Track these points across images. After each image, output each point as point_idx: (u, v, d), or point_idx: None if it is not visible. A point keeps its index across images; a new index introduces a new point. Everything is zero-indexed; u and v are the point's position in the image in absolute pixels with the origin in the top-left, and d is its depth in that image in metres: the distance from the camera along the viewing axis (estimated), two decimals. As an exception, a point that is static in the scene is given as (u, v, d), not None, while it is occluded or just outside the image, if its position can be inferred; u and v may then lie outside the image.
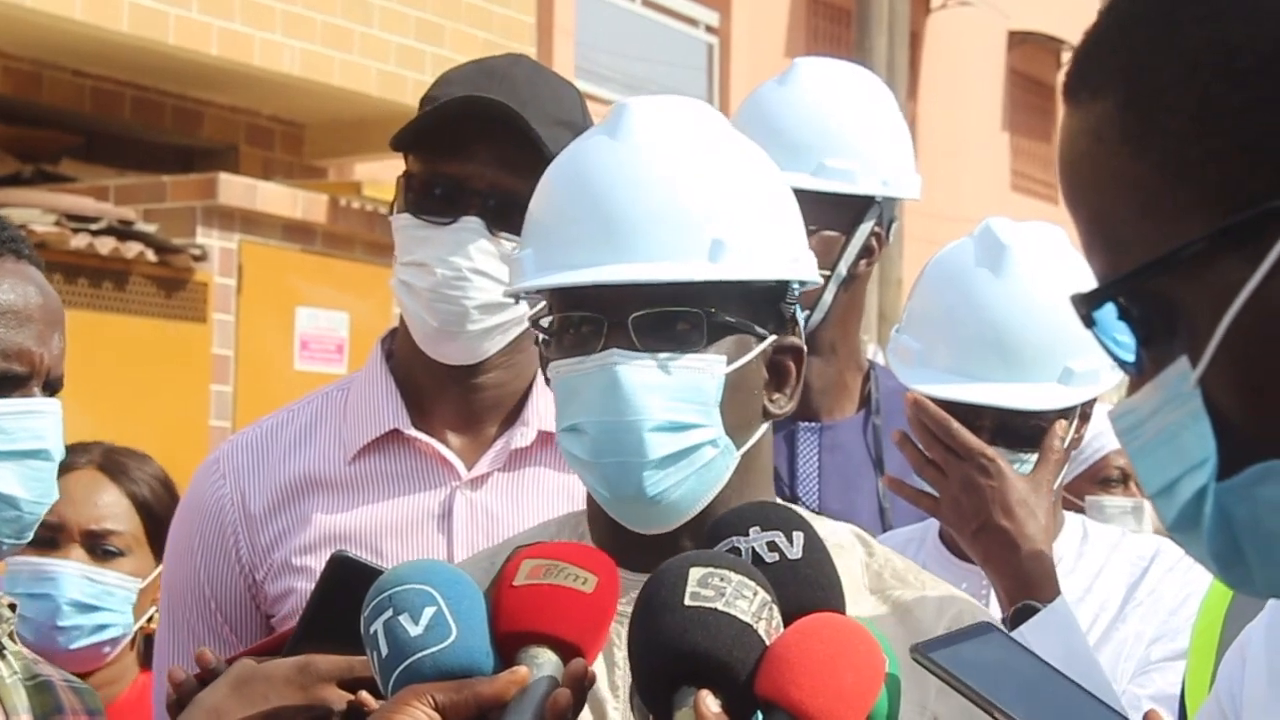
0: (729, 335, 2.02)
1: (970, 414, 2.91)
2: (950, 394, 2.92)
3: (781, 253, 2.06)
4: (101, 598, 3.35)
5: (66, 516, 3.43)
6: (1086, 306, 1.28)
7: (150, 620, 3.44)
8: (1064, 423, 2.92)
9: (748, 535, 1.76)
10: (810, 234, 3.16)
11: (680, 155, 2.03)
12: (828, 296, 3.30)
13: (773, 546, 1.76)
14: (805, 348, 2.12)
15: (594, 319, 2.01)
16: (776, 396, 2.09)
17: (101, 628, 3.36)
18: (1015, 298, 2.93)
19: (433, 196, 2.58)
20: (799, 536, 1.77)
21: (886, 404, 3.37)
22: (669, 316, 2.00)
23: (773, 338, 2.06)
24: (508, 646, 1.73)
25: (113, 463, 3.46)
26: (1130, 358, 1.30)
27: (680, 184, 2.01)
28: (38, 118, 10.08)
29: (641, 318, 1.99)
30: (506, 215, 2.53)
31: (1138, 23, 1.28)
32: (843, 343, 3.40)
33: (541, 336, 2.08)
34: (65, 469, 3.75)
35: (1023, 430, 2.90)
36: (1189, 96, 1.23)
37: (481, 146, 2.56)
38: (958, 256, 3.04)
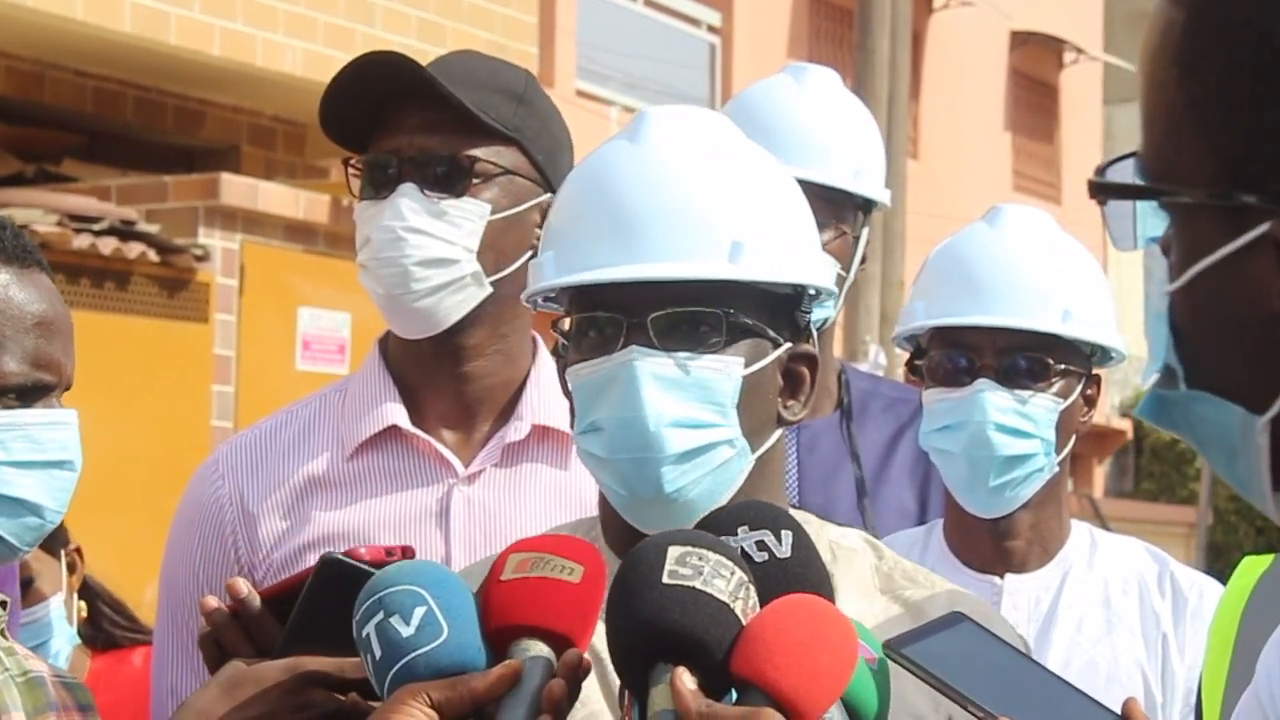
0: (747, 338, 2.04)
1: (972, 351, 2.97)
2: (951, 321, 2.99)
3: (799, 259, 2.07)
4: None
5: None
6: (1112, 191, 1.36)
7: None
8: (1068, 383, 2.99)
9: (736, 534, 1.77)
10: (840, 236, 3.17)
11: (700, 159, 2.05)
12: (840, 300, 3.28)
13: (761, 546, 1.76)
14: (819, 356, 2.14)
15: (614, 320, 2.02)
16: (791, 403, 2.10)
17: None
18: (1016, 240, 3.02)
19: (373, 178, 2.65)
20: (787, 535, 1.78)
21: (858, 404, 3.39)
22: (688, 317, 2.01)
23: (788, 345, 2.08)
24: (499, 641, 1.75)
25: None
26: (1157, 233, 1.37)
27: (700, 186, 2.03)
28: (40, 118, 10.08)
29: (660, 317, 2.00)
30: (438, 176, 2.60)
31: None
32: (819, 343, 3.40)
33: (560, 342, 2.08)
34: None
35: (1022, 365, 2.96)
36: (1218, 65, 1.26)
37: (403, 117, 2.61)
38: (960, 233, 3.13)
